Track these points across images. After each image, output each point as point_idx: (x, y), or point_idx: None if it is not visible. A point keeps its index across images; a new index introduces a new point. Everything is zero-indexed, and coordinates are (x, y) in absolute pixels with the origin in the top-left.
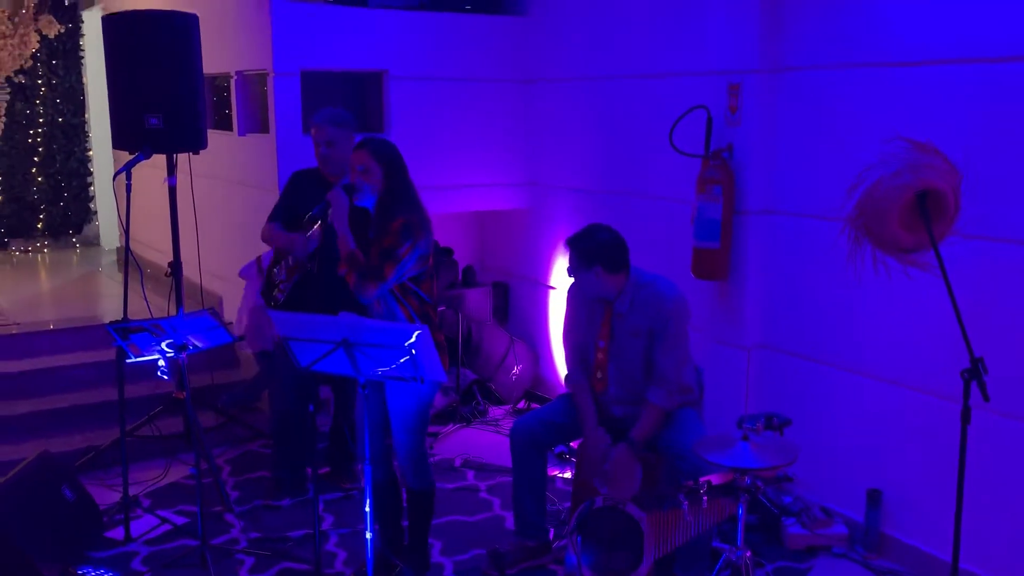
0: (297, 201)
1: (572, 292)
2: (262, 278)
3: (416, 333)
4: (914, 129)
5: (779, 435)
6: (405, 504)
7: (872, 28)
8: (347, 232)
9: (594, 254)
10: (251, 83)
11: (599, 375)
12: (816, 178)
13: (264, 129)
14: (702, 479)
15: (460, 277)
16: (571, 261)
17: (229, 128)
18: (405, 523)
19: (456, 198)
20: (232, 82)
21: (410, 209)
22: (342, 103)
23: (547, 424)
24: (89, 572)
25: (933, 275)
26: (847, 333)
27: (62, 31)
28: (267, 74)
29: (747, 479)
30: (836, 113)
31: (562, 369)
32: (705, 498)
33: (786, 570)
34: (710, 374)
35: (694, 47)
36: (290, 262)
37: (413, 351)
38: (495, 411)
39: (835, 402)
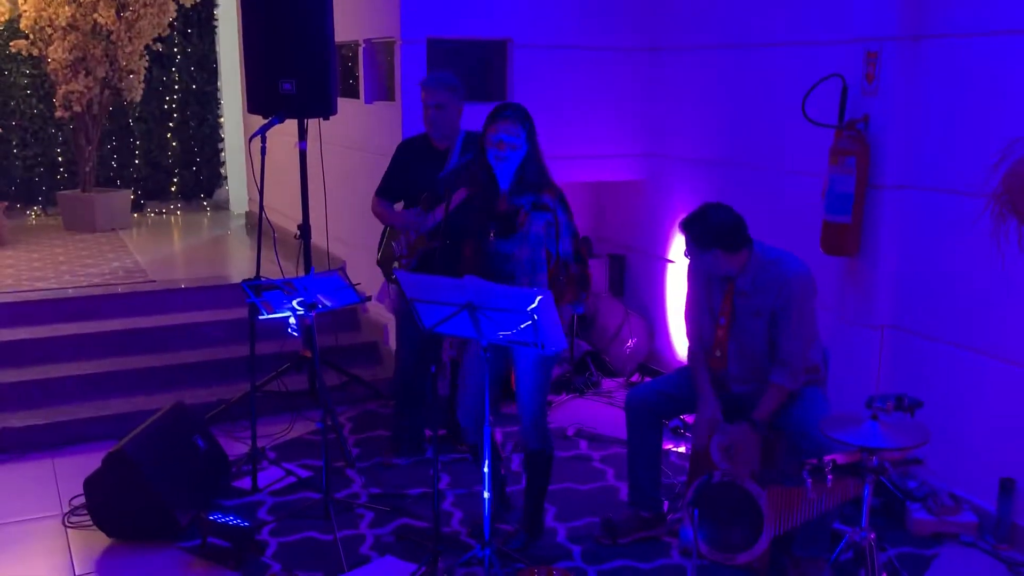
0: (407, 172)
1: (691, 269)
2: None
3: (539, 298)
4: None
5: (910, 416)
6: (516, 469)
7: None
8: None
9: (711, 237)
10: (378, 51)
11: (718, 353)
12: (957, 151)
13: (390, 97)
14: (827, 458)
15: None
16: (687, 244)
17: (356, 96)
18: (508, 490)
19: (573, 168)
20: (360, 50)
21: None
22: (465, 71)
23: (663, 395)
24: (219, 518)
25: None
26: (986, 315)
27: (198, 0)
28: (394, 42)
29: (874, 459)
30: (980, 83)
31: (678, 344)
32: (830, 477)
33: (910, 556)
34: (838, 354)
35: (829, 13)
36: (411, 237)
37: (535, 316)
38: (608, 383)
39: (970, 387)
